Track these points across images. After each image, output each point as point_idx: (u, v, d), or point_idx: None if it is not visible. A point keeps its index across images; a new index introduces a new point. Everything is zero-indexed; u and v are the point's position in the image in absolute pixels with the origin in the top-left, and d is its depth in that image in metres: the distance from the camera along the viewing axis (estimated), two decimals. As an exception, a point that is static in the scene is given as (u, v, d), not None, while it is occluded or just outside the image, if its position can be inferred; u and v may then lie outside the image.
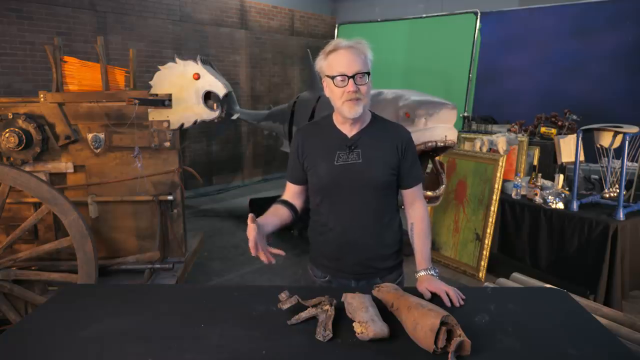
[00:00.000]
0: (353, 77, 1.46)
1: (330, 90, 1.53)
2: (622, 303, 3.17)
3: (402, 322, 1.27)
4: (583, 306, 1.49)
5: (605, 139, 3.36)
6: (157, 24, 6.16)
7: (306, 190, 1.70)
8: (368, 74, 1.49)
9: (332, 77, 1.48)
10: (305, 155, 1.62)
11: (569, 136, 3.90)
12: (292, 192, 1.70)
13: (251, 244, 1.35)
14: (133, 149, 3.00)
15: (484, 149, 4.24)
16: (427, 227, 1.67)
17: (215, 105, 3.15)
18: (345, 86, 1.47)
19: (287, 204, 1.68)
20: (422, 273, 1.56)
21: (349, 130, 1.59)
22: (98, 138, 3.04)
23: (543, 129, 4.57)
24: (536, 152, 4.34)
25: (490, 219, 3.84)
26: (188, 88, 3.08)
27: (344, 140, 1.58)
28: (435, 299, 1.44)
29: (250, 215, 1.38)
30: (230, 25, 7.11)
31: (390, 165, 1.59)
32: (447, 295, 1.44)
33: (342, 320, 1.32)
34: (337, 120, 1.61)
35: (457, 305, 1.41)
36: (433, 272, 1.56)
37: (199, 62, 3.14)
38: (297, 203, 1.70)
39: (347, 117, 1.53)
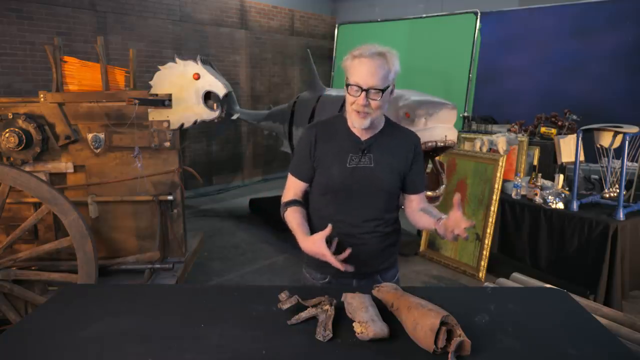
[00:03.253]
0: (367, 90, 1.45)
1: (346, 93, 1.53)
2: (622, 303, 3.18)
3: (402, 322, 1.27)
4: (583, 306, 1.49)
5: (605, 139, 3.36)
6: (157, 24, 6.16)
7: (308, 187, 1.69)
8: (383, 90, 1.47)
9: (348, 85, 1.48)
10: (318, 154, 1.62)
11: (569, 136, 3.90)
12: (298, 189, 1.67)
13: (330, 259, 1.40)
14: (133, 149, 3.00)
15: (484, 149, 4.23)
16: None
17: (215, 105, 3.15)
18: (357, 97, 1.47)
19: (301, 204, 1.65)
20: (445, 216, 1.51)
21: (363, 134, 1.59)
22: (98, 138, 3.04)
23: (543, 129, 4.57)
24: (536, 152, 4.34)
25: (490, 219, 3.84)
26: (188, 88, 3.08)
27: (358, 143, 1.59)
28: (434, 299, 1.44)
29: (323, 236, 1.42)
30: (230, 25, 7.11)
31: (399, 172, 1.61)
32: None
33: (342, 320, 1.32)
34: (348, 118, 1.61)
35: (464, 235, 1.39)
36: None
37: (199, 62, 3.14)
38: (301, 198, 1.69)
39: (354, 125, 1.55)
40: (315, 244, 1.44)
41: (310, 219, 1.67)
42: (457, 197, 1.41)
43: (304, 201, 1.69)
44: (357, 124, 1.53)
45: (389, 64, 1.47)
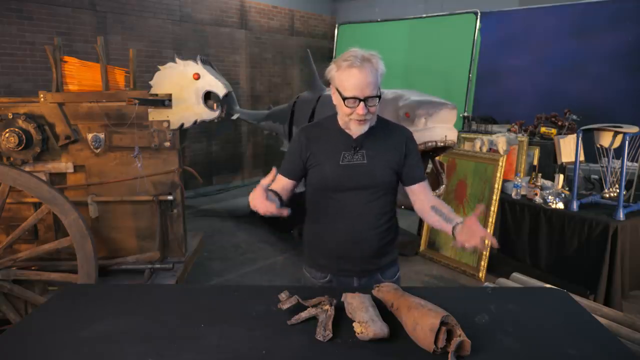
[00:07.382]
0: (365, 99, 1.47)
1: (339, 103, 1.53)
2: (622, 303, 3.17)
3: (402, 322, 1.27)
4: (583, 306, 1.49)
5: (605, 139, 3.36)
6: (157, 24, 6.16)
7: (294, 186, 1.70)
8: (379, 96, 1.50)
9: (344, 98, 1.48)
10: (310, 154, 1.63)
11: (569, 136, 3.90)
12: (281, 185, 1.66)
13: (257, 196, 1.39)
14: (133, 149, 3.00)
15: (484, 149, 4.23)
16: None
17: (215, 105, 3.15)
18: (355, 107, 1.48)
19: (275, 193, 1.63)
20: (460, 220, 1.48)
21: (354, 132, 1.60)
22: (98, 138, 3.04)
23: (543, 129, 4.57)
24: (536, 152, 4.34)
25: (490, 219, 3.84)
26: (188, 88, 3.08)
27: (349, 141, 1.60)
28: (434, 299, 1.44)
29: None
30: (230, 25, 7.11)
31: (392, 166, 1.62)
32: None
33: (342, 320, 1.32)
34: (342, 123, 1.62)
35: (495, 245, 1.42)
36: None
37: (199, 62, 3.14)
38: (284, 196, 1.66)
39: (352, 132, 1.58)
40: (259, 193, 1.43)
41: (309, 220, 1.72)
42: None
43: (286, 198, 1.65)
44: (357, 131, 1.56)
45: (376, 68, 1.48)
